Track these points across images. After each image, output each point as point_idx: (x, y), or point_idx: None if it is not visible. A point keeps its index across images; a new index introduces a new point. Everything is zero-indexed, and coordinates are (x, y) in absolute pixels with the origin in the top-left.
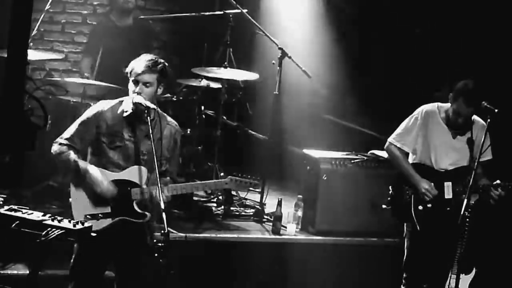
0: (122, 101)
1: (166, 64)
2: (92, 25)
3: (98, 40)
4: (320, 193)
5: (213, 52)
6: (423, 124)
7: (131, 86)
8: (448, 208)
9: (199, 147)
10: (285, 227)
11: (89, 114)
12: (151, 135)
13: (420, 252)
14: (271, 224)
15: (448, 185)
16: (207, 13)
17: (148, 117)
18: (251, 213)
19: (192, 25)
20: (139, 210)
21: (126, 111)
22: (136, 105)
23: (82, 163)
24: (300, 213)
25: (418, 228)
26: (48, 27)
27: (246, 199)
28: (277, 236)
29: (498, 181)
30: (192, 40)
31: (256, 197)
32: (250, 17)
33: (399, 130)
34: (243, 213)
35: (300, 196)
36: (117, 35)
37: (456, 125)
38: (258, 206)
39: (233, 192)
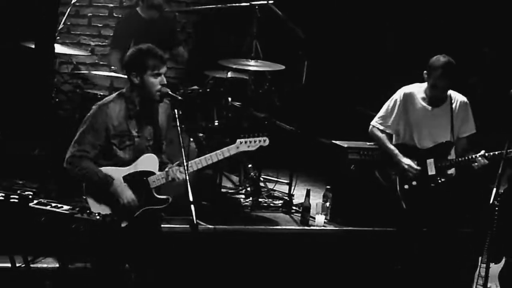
0: (120, 95)
1: None
2: (118, 18)
3: (125, 34)
4: (348, 184)
5: (239, 43)
6: (403, 105)
7: (151, 79)
8: (432, 184)
9: (227, 139)
10: (314, 218)
11: (94, 119)
12: (158, 121)
13: (408, 231)
14: (299, 215)
15: (430, 162)
16: (233, 5)
17: (176, 109)
18: (280, 205)
19: (218, 17)
20: (159, 196)
21: (130, 108)
22: (167, 95)
23: (102, 174)
24: (328, 203)
25: (404, 206)
26: (75, 21)
27: (274, 190)
28: (306, 227)
29: (482, 152)
30: (218, 32)
31: (285, 188)
32: (276, 9)
33: (380, 113)
34: (271, 205)
35: (329, 187)
36: (144, 28)
37: (435, 99)
38: (286, 197)
39: (262, 184)
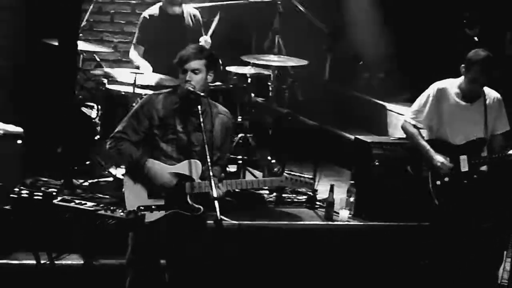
0: (173, 91)
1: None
2: (142, 14)
3: (149, 30)
4: (372, 179)
5: (262, 39)
6: (437, 101)
7: (180, 75)
8: (465, 181)
9: (250, 135)
10: (338, 213)
11: (140, 106)
12: (202, 125)
13: (440, 227)
14: (323, 210)
15: (463, 159)
16: (256, 0)
17: (199, 106)
18: (303, 200)
19: (241, 12)
20: (192, 204)
21: (177, 102)
22: (187, 93)
23: (140, 157)
24: (352, 199)
25: (436, 202)
26: (97, 18)
27: None
28: (330, 222)
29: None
30: (241, 27)
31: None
32: (298, 4)
33: (413, 108)
34: (295, 200)
35: (353, 182)
36: (168, 24)
37: (471, 95)
38: (310, 193)
39: None
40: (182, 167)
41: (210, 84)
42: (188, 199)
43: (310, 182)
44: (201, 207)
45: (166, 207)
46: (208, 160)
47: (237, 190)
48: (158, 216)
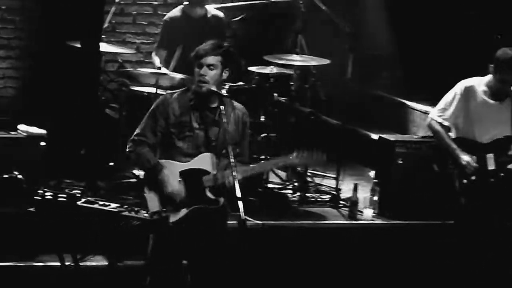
0: (187, 89)
1: (231, 49)
2: (164, 17)
3: (171, 33)
4: (396, 177)
5: (284, 39)
6: (464, 99)
7: (195, 69)
8: (492, 179)
9: (273, 135)
10: (362, 212)
11: (156, 107)
12: (222, 121)
13: (465, 225)
14: (347, 209)
15: (490, 157)
16: (277, 0)
17: (220, 104)
18: (327, 199)
19: (263, 13)
20: (212, 197)
21: (191, 99)
22: (201, 88)
23: (156, 163)
24: (376, 197)
25: (462, 201)
26: (120, 19)
27: (321, 185)
28: (354, 222)
29: None
30: (263, 27)
31: (332, 182)
32: (320, 3)
33: (439, 105)
34: (318, 199)
35: (376, 181)
36: (191, 26)
37: (499, 93)
38: (333, 192)
39: (309, 178)
40: (196, 162)
41: (232, 84)
42: (207, 193)
43: (322, 156)
44: (221, 199)
45: (187, 203)
46: (232, 158)
47: (253, 174)
48: (181, 215)
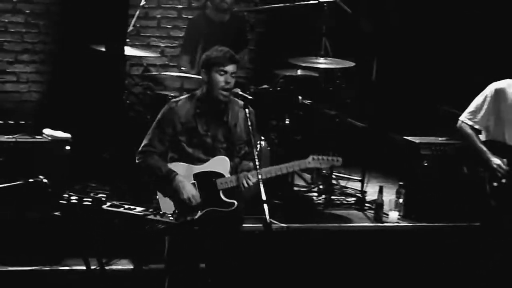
0: (193, 95)
1: None
2: (188, 20)
3: (194, 37)
4: (421, 180)
5: (308, 41)
6: (494, 101)
7: (216, 76)
8: None
9: (298, 137)
10: (387, 215)
11: (162, 116)
12: (228, 122)
13: (495, 228)
14: (372, 212)
15: None
16: (301, 3)
17: (246, 108)
18: (352, 202)
19: (287, 15)
20: (226, 199)
21: (198, 106)
22: (238, 95)
23: (165, 169)
24: (402, 200)
25: (492, 203)
26: (144, 23)
27: (347, 187)
28: (379, 224)
29: None
30: (288, 30)
31: (357, 185)
32: (344, 6)
33: (470, 108)
34: (344, 202)
35: (402, 183)
36: (213, 30)
37: None
38: (359, 194)
39: (334, 181)
40: (210, 165)
41: (258, 87)
42: (221, 195)
43: (337, 159)
44: (235, 202)
45: (201, 206)
46: (257, 162)
47: (267, 177)
48: (195, 217)
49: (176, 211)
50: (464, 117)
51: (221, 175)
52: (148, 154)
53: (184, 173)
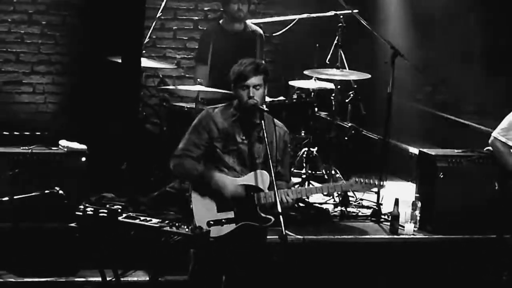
0: (230, 104)
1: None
2: (202, 31)
3: (209, 47)
4: (437, 192)
5: (324, 53)
6: None
7: (240, 91)
8: None
9: (314, 149)
10: (403, 227)
11: (198, 121)
12: (265, 138)
13: None
14: (388, 224)
15: None
16: (318, 15)
17: (263, 121)
18: (368, 214)
19: (303, 27)
20: (263, 215)
21: (235, 114)
22: (253, 109)
23: (205, 170)
24: (417, 212)
25: None
26: (160, 34)
27: (362, 199)
28: (395, 236)
29: None
30: (304, 42)
31: (373, 197)
32: (361, 18)
33: (503, 124)
34: (360, 214)
35: (417, 195)
36: (228, 41)
37: None
38: (375, 207)
39: (350, 193)
40: (249, 178)
41: (274, 99)
42: (258, 210)
43: (377, 182)
44: (272, 218)
45: (236, 220)
46: (272, 173)
47: (306, 197)
48: (228, 230)
49: (211, 222)
50: (496, 133)
51: (259, 190)
52: (184, 158)
53: (223, 177)
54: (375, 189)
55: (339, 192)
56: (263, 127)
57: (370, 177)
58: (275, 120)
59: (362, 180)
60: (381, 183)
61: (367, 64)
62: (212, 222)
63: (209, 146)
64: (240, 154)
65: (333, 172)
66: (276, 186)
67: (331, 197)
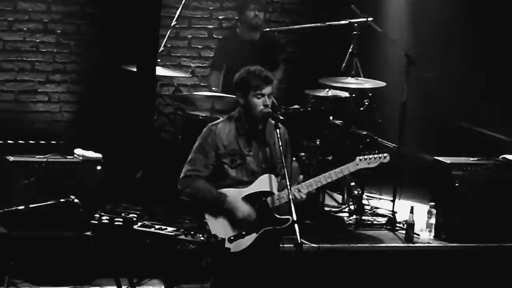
0: (230, 117)
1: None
2: (218, 39)
3: (224, 55)
4: (453, 200)
5: (339, 62)
6: None
7: (254, 100)
8: None
9: (329, 157)
10: (418, 235)
11: (203, 140)
12: (268, 141)
13: None
14: (403, 232)
15: None
16: (332, 23)
17: (278, 130)
18: (383, 222)
19: (318, 36)
20: (280, 217)
21: (238, 128)
22: (269, 115)
23: (218, 193)
24: (433, 220)
25: None
26: (175, 43)
27: (378, 207)
28: (411, 244)
29: None
30: (318, 50)
31: (388, 205)
32: (375, 26)
33: None
34: (375, 222)
35: (433, 203)
36: (243, 49)
37: None
38: (390, 215)
39: (365, 201)
40: (258, 185)
41: (288, 107)
42: (274, 213)
43: (384, 155)
44: (289, 217)
45: (255, 228)
46: (288, 182)
47: (318, 186)
48: (252, 240)
49: (232, 237)
50: None
51: (270, 193)
52: (194, 178)
53: (233, 198)
54: (386, 160)
55: (348, 175)
56: (278, 135)
57: (374, 152)
58: (272, 121)
59: (366, 157)
60: (385, 155)
61: (382, 72)
62: (233, 238)
63: (217, 165)
64: (248, 166)
65: (349, 181)
66: (285, 185)
67: (347, 205)
